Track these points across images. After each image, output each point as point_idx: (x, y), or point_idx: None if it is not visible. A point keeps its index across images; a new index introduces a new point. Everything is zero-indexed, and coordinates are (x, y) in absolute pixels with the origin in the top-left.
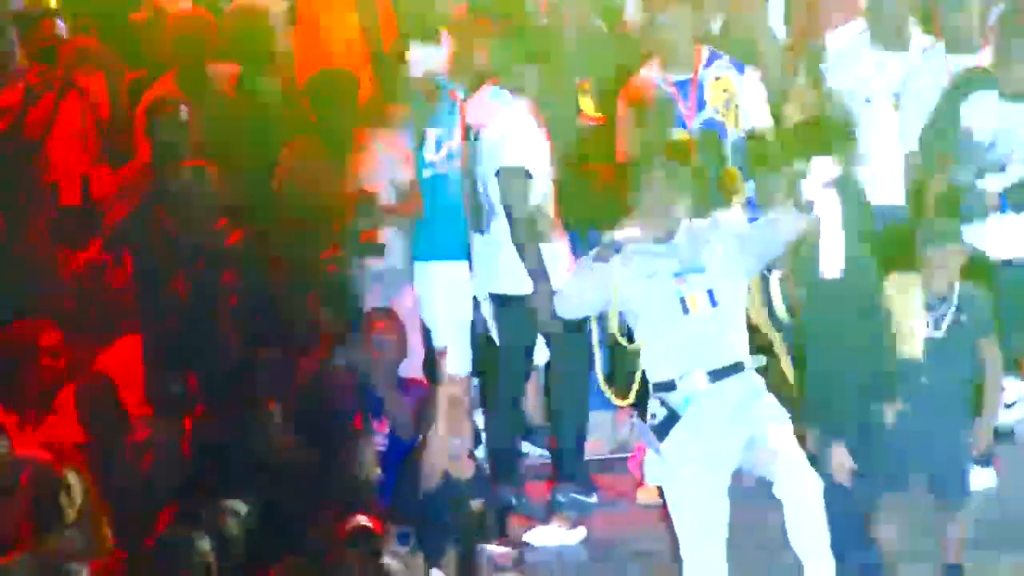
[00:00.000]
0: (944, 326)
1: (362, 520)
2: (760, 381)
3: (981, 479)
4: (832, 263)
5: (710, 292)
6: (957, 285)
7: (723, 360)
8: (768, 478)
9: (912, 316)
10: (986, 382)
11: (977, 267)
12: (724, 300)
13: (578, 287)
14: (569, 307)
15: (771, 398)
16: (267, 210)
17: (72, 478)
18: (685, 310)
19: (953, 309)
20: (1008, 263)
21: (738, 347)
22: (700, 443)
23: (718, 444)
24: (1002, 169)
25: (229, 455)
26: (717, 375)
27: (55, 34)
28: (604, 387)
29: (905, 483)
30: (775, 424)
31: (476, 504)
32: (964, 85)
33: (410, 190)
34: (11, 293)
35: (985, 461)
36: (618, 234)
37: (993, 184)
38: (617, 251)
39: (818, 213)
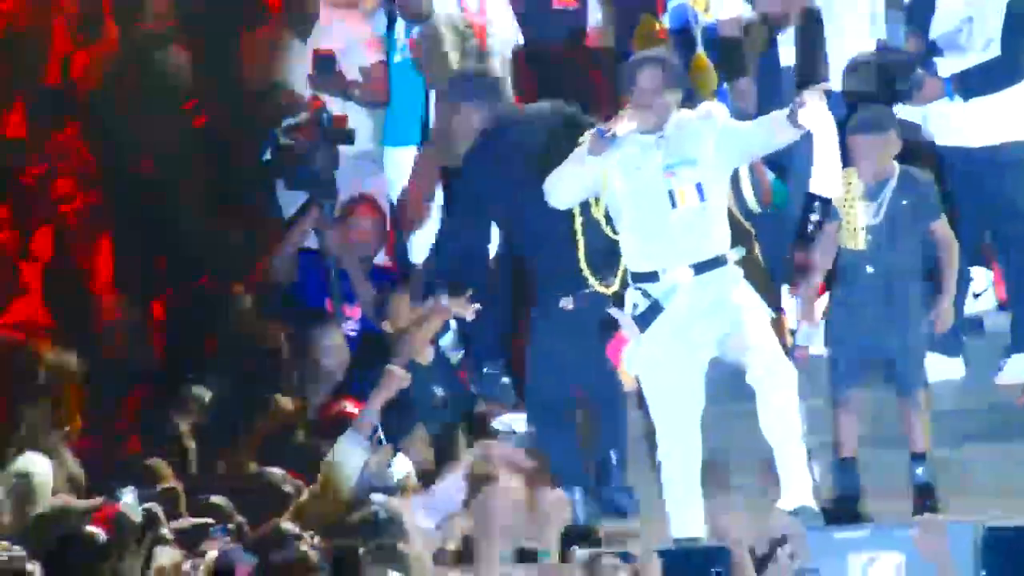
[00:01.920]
0: (882, 213)
1: (348, 406)
2: (738, 272)
3: (949, 369)
4: (827, 184)
5: (699, 186)
6: (896, 170)
7: (707, 253)
8: (743, 366)
9: (849, 207)
10: (941, 263)
11: (919, 151)
12: (711, 194)
13: (573, 173)
14: (558, 195)
15: (748, 288)
16: (232, 94)
17: (45, 356)
18: (673, 204)
19: (891, 195)
20: (958, 149)
21: (721, 239)
22: (680, 334)
23: (697, 335)
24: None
25: (198, 338)
26: (700, 268)
27: None
28: (588, 274)
29: (862, 375)
30: (751, 314)
31: (439, 390)
32: None
33: (375, 74)
34: None
35: (954, 351)
36: (611, 126)
37: (946, 68)
38: (611, 144)
39: (809, 127)
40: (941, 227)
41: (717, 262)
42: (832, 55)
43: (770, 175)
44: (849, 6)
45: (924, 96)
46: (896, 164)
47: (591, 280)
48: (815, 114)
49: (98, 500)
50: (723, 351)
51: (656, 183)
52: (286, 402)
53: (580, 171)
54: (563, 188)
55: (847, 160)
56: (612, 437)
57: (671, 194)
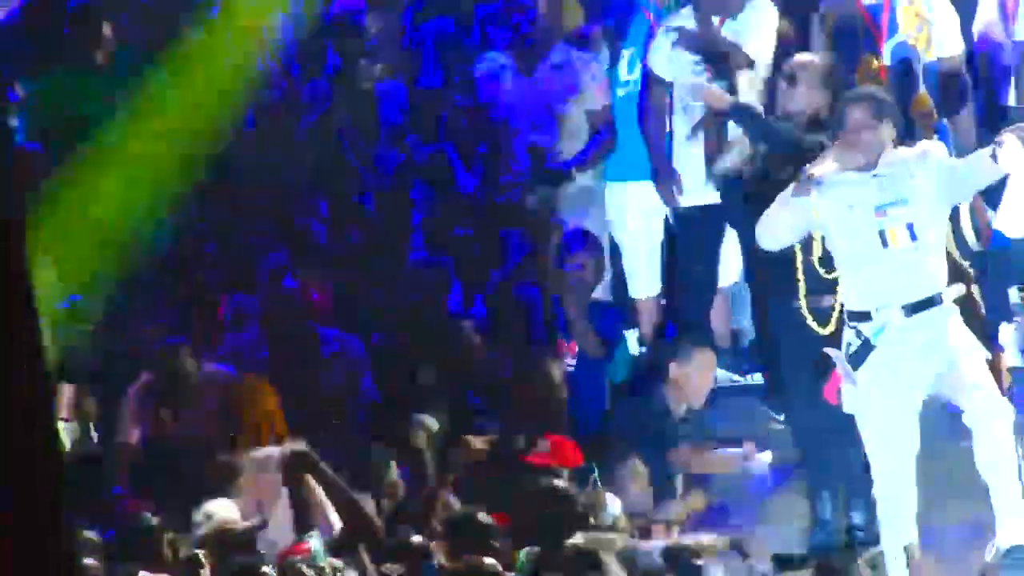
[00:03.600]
0: None
1: (545, 446)
2: (954, 311)
3: None
4: (1014, 223)
5: (910, 226)
6: None
7: (919, 293)
8: (959, 406)
9: None
10: None
11: None
12: (924, 233)
13: (779, 217)
14: (768, 238)
15: (964, 328)
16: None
17: (259, 391)
18: (884, 244)
19: None
20: None
21: (935, 279)
22: (893, 374)
23: (910, 375)
24: None
25: (419, 369)
26: (913, 309)
27: None
28: (807, 314)
29: None
30: (967, 354)
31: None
32: None
33: (603, 117)
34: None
35: None
36: (816, 168)
37: None
38: (817, 185)
39: (1007, 169)
40: None
41: (930, 303)
42: None
43: (990, 213)
44: None
45: None
46: None
47: (809, 320)
48: (1014, 154)
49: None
50: (938, 390)
51: (868, 222)
52: (476, 441)
53: (786, 213)
54: (773, 231)
55: None
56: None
57: (882, 234)
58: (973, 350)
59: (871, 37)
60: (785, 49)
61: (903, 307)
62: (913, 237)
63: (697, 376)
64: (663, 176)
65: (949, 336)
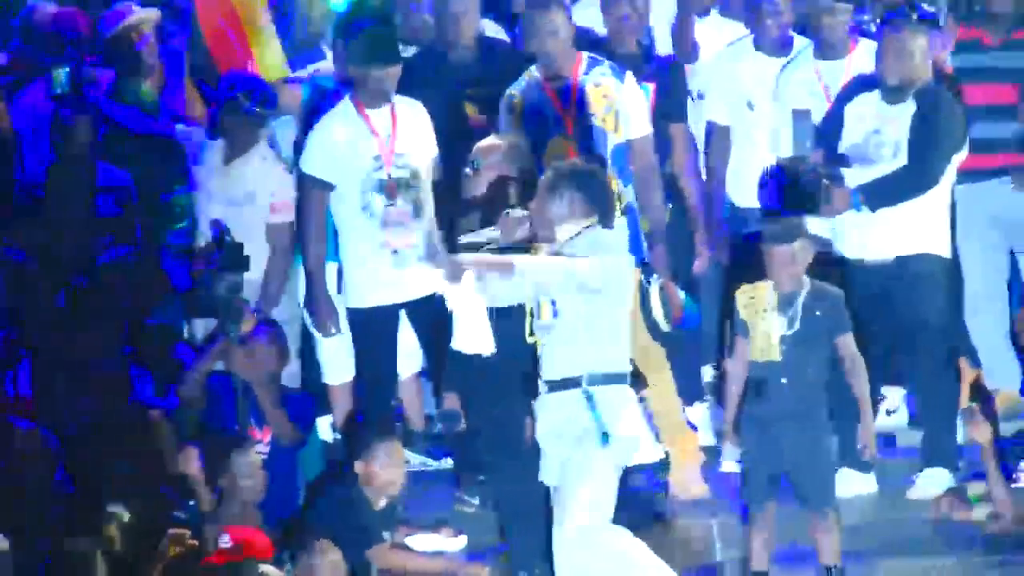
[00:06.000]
0: (796, 324)
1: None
2: (604, 399)
3: (862, 485)
4: (469, 341)
5: (553, 303)
6: (807, 283)
7: (559, 372)
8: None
9: (761, 319)
10: (851, 381)
11: (829, 267)
12: (566, 312)
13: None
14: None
15: (602, 418)
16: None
17: None
18: (538, 317)
19: (803, 306)
20: (865, 262)
21: (580, 362)
22: (544, 449)
23: (549, 454)
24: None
25: (110, 462)
26: (552, 386)
27: None
28: None
29: (773, 488)
30: (580, 466)
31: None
32: (851, 90)
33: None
34: None
35: (865, 467)
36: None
37: (853, 179)
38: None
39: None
40: (848, 342)
41: (566, 384)
42: (742, 172)
43: (681, 294)
44: (755, 124)
45: (832, 208)
46: (807, 277)
47: None
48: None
49: None
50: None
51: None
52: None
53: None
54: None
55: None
56: None
57: (538, 306)
58: (589, 468)
59: (560, 119)
60: (476, 134)
61: (545, 382)
62: (555, 314)
63: (385, 472)
64: (315, 288)
65: (576, 434)
